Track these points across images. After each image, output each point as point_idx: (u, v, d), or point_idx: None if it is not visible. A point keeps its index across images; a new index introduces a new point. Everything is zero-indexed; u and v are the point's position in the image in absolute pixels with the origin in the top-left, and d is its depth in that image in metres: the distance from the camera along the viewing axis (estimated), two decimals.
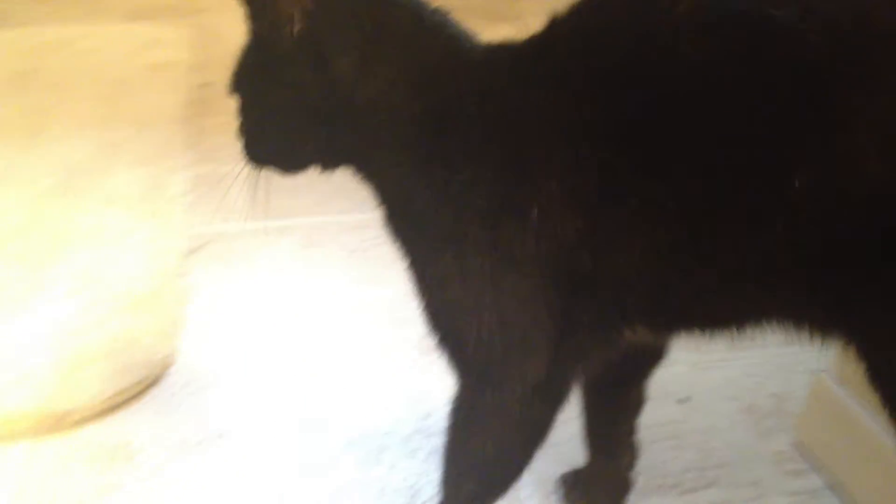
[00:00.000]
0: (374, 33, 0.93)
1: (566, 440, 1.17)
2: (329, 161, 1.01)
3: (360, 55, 0.93)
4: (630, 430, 1.21)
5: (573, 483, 1.24)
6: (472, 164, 0.91)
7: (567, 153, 0.88)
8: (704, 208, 0.85)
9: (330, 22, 0.93)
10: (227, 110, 1.03)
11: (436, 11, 0.97)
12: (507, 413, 0.98)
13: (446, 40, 0.96)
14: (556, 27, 0.93)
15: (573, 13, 0.92)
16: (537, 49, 0.93)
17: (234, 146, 1.02)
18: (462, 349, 0.98)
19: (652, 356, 1.14)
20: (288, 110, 0.97)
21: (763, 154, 0.82)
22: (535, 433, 1.01)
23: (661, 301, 0.93)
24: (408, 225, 0.98)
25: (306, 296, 1.64)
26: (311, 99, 0.95)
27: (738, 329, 0.95)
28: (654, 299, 0.93)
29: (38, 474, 1.26)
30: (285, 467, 1.29)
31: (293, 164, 1.03)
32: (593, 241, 0.89)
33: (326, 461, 1.30)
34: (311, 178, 1.04)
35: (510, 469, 1.04)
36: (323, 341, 1.53)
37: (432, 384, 1.40)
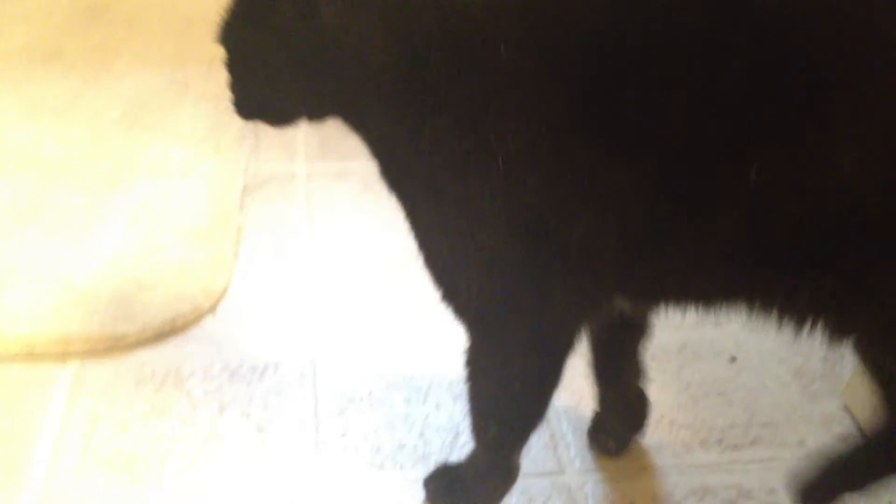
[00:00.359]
0: None
1: None
2: (316, 111, 1.00)
3: (344, 3, 0.91)
4: (636, 362, 1.21)
5: (596, 428, 1.26)
6: (441, 114, 0.89)
7: (531, 112, 0.86)
8: (668, 187, 0.84)
9: None
10: None
11: None
12: (508, 364, 1.00)
13: None
14: None
15: None
16: (517, 5, 0.90)
17: None
18: (457, 302, 0.99)
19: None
20: (275, 60, 0.96)
21: (731, 137, 0.80)
22: (540, 382, 1.02)
23: (633, 274, 0.93)
24: (395, 176, 0.98)
25: (359, 240, 1.65)
26: (297, 47, 0.94)
27: (721, 307, 0.93)
28: (625, 271, 0.92)
29: (88, 394, 1.29)
30: (332, 400, 1.31)
31: (281, 116, 1.02)
32: (558, 204, 0.87)
33: (373, 396, 1.31)
34: None
35: (526, 413, 1.06)
36: (374, 285, 1.54)
37: None
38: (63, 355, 1.34)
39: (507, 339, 0.98)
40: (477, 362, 1.02)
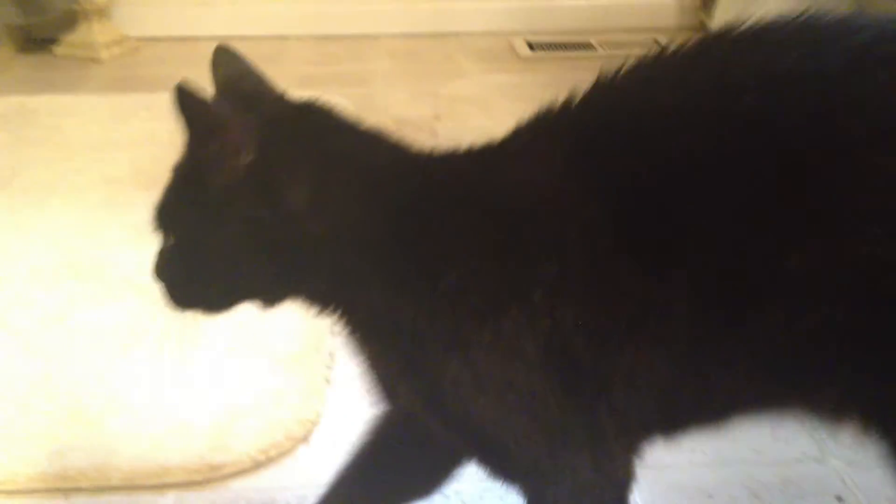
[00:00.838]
0: (325, 161, 0.89)
1: None
2: (274, 296, 0.96)
3: (312, 185, 0.88)
4: None
5: None
6: (457, 265, 0.88)
7: (563, 246, 0.86)
8: (713, 307, 0.84)
9: (280, 152, 0.87)
10: None
11: (378, 130, 0.95)
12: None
13: (399, 155, 0.94)
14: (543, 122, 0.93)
15: (566, 106, 0.91)
16: (522, 140, 0.93)
17: None
18: (506, 458, 0.94)
19: None
20: (230, 247, 0.89)
21: (764, 241, 0.82)
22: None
23: (673, 407, 0.92)
24: (398, 347, 0.92)
25: None
26: (259, 234, 0.88)
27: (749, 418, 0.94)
28: (666, 406, 0.91)
29: None
30: None
31: (227, 302, 0.96)
32: (596, 337, 0.87)
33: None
34: None
35: None
36: None
37: None
38: (161, 487, 1.36)
39: (566, 483, 0.92)
40: None
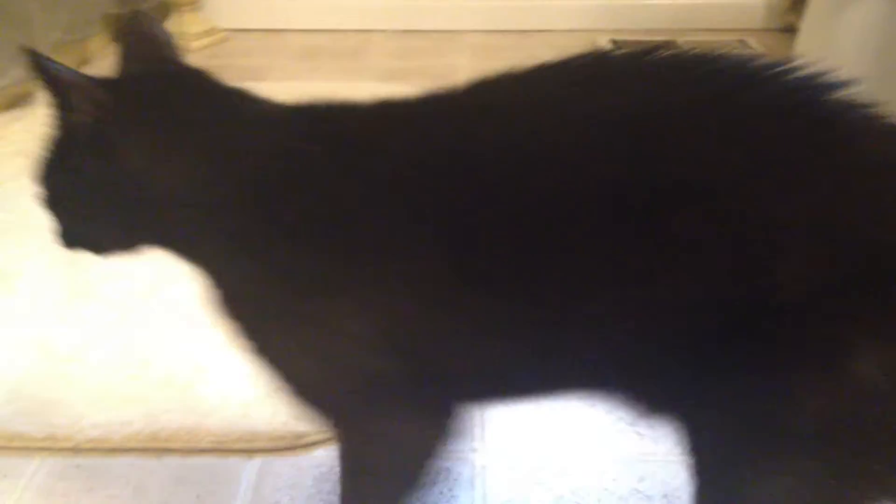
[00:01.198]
0: (168, 125, 0.94)
1: None
2: (134, 247, 1.03)
3: (152, 148, 0.93)
4: None
5: None
6: (293, 240, 0.91)
7: (386, 237, 0.90)
8: (526, 308, 0.89)
9: (121, 115, 0.93)
10: None
11: (241, 94, 0.99)
12: (374, 462, 1.06)
13: (251, 121, 0.96)
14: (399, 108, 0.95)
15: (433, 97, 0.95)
16: (370, 131, 0.94)
17: None
18: (320, 413, 1.02)
19: None
20: (85, 201, 0.99)
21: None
22: (408, 477, 1.06)
23: (484, 383, 1.00)
24: (238, 303, 0.98)
25: None
26: (103, 190, 0.96)
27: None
28: (477, 382, 0.99)
29: (272, 489, 1.35)
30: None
31: (103, 249, 1.05)
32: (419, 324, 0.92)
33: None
34: None
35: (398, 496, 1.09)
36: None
37: (647, 447, 1.40)
38: (249, 451, 1.41)
39: (371, 439, 1.03)
40: (356, 457, 1.07)
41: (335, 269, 0.91)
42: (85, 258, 1.07)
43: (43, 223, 1.05)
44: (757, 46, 3.25)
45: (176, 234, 0.98)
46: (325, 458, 1.41)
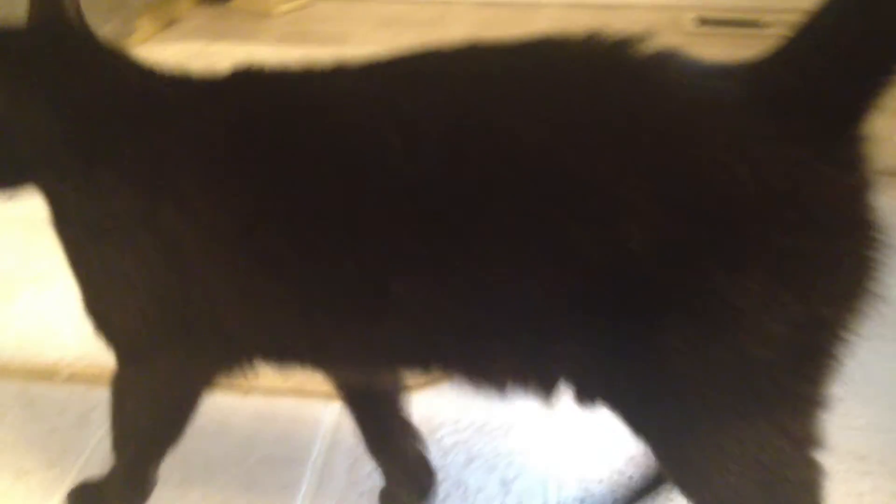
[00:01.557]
0: (21, 73, 1.04)
1: None
2: (14, 183, 1.10)
3: (9, 90, 1.03)
4: (402, 426, 1.29)
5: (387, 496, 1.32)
6: (107, 172, 1.00)
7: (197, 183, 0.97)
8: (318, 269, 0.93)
9: None
10: None
11: (107, 54, 1.08)
12: (142, 396, 1.12)
13: (99, 76, 1.05)
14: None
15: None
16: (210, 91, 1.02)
17: None
18: (109, 334, 1.08)
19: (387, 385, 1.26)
20: None
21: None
22: (169, 419, 1.14)
23: (267, 341, 1.05)
24: (63, 225, 1.07)
25: None
26: None
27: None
28: (257, 337, 1.04)
29: (349, 433, 1.37)
30: (571, 464, 1.35)
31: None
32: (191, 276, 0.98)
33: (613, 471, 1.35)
34: None
35: (158, 440, 1.16)
36: None
37: None
38: (329, 396, 1.45)
39: (154, 373, 1.10)
40: (124, 388, 1.13)
41: (125, 209, 1.00)
42: None
43: None
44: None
45: (29, 170, 1.08)
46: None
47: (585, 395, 0.93)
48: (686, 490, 0.95)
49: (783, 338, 0.83)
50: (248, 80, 1.02)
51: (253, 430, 1.41)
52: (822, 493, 0.92)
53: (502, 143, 0.85)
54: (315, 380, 1.44)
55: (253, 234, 0.95)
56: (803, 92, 0.81)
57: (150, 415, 1.14)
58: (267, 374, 1.45)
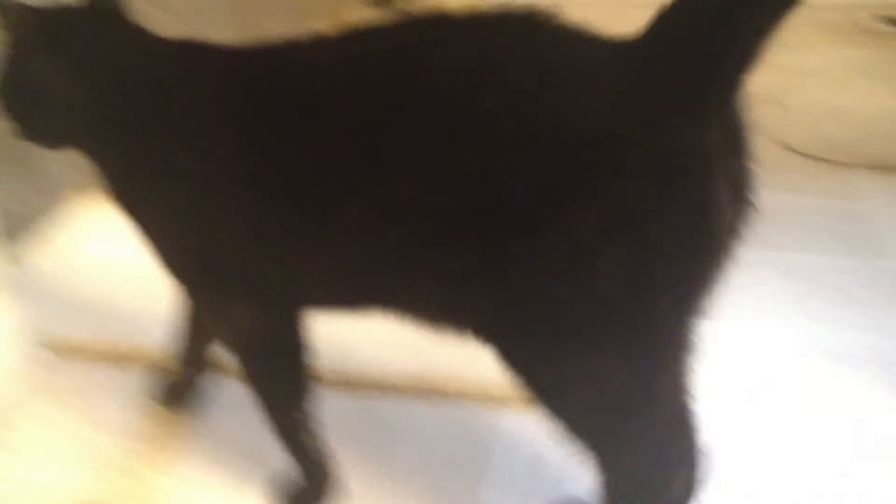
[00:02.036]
0: (68, 46, 1.18)
1: None
2: (61, 143, 1.25)
3: (51, 62, 1.17)
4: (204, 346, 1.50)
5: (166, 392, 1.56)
6: (152, 138, 1.13)
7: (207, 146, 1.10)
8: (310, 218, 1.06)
9: (35, 39, 1.18)
10: None
11: (137, 32, 1.22)
12: (235, 330, 1.25)
13: (131, 50, 1.19)
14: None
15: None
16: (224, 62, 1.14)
17: None
18: (179, 286, 1.24)
19: None
20: (23, 103, 1.21)
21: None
22: (276, 361, 1.25)
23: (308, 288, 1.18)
24: (124, 192, 1.20)
25: None
26: (32, 94, 1.20)
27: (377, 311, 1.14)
28: (299, 287, 1.17)
29: (526, 442, 1.47)
30: None
31: (46, 144, 1.27)
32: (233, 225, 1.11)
33: None
34: None
35: (289, 382, 1.27)
36: None
37: None
38: (507, 401, 1.54)
39: (231, 318, 1.23)
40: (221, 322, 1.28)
41: (172, 160, 1.12)
42: None
43: None
44: None
45: (75, 134, 1.22)
46: None
47: (478, 333, 1.06)
48: (551, 416, 1.08)
49: (618, 276, 0.91)
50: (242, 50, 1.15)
51: (436, 434, 1.50)
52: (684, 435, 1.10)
53: (423, 84, 0.98)
54: (495, 385, 1.53)
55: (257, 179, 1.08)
56: (665, 53, 0.90)
57: (253, 349, 1.26)
58: (452, 381, 1.55)
